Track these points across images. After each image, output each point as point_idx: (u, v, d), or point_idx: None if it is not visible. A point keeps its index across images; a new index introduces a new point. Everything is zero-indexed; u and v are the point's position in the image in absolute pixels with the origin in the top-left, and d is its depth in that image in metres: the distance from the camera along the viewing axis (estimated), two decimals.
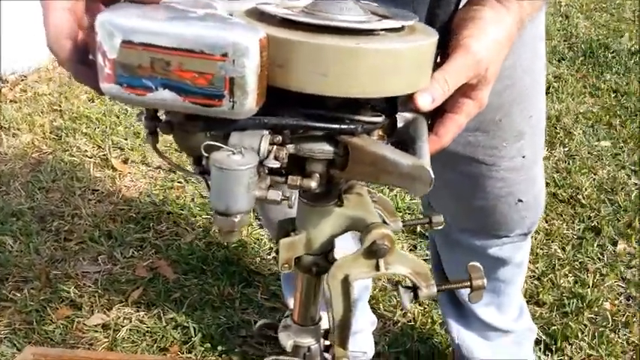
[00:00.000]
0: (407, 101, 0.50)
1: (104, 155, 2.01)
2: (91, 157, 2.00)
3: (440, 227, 0.64)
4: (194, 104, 0.42)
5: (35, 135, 2.17)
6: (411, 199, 1.75)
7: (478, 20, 0.50)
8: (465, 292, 1.07)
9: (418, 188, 0.46)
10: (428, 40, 0.47)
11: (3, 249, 1.60)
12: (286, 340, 0.63)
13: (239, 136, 0.45)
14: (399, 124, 0.51)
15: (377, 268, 0.51)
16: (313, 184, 0.48)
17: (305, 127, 0.46)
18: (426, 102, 0.47)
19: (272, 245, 1.60)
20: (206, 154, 0.44)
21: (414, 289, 0.53)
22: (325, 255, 0.57)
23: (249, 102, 0.41)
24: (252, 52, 0.40)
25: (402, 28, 0.47)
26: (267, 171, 0.45)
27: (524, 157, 0.84)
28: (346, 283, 0.53)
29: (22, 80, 2.55)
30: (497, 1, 0.51)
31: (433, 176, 0.45)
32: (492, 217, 0.91)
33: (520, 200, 0.88)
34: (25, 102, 2.40)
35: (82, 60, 0.45)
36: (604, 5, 3.40)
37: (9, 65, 2.55)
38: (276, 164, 0.45)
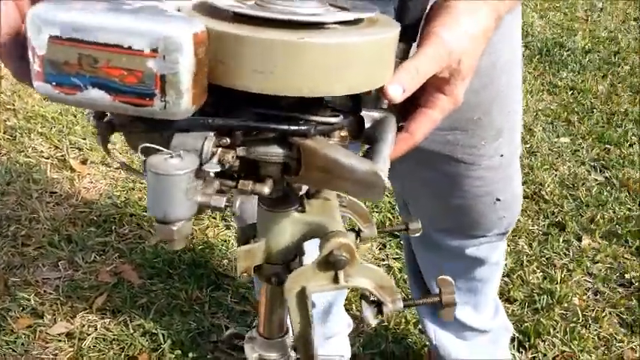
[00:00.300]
0: (376, 99, 0.49)
1: (62, 156, 1.92)
2: (47, 158, 1.92)
3: (417, 234, 0.62)
4: (124, 104, 0.39)
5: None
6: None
7: (451, 9, 0.48)
8: (436, 290, 1.07)
9: (371, 195, 0.43)
10: (386, 33, 0.44)
11: None
12: (251, 353, 0.61)
13: (181, 138, 0.42)
14: (367, 124, 0.49)
15: (336, 280, 0.48)
16: (266, 189, 0.45)
17: (253, 128, 0.43)
18: (396, 92, 0.45)
19: None
20: (144, 158, 0.41)
21: (379, 304, 0.50)
22: (287, 264, 0.54)
23: (184, 102, 0.38)
24: (185, 47, 0.37)
25: (359, 21, 0.45)
26: (213, 175, 0.42)
27: (502, 155, 0.84)
28: (303, 296, 0.50)
29: None
30: None
31: (388, 184, 0.43)
32: (470, 217, 0.91)
33: (498, 199, 0.89)
34: None
35: (22, 56, 0.41)
36: (557, 5, 3.50)
37: None
38: (216, 168, 0.42)
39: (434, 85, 0.49)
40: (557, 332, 1.35)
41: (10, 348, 1.29)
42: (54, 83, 0.39)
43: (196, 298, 1.42)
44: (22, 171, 1.85)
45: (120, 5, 0.39)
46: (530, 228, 1.67)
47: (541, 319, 1.37)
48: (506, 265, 1.54)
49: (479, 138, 0.80)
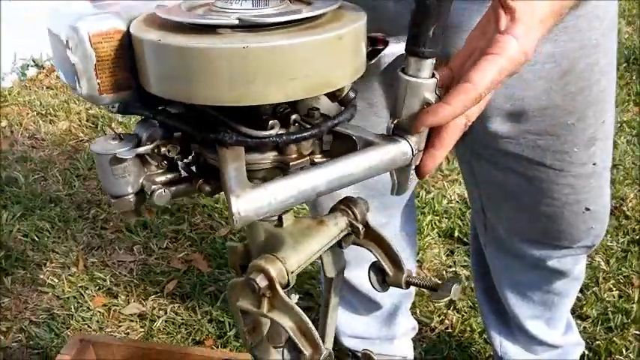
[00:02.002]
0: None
1: None
2: None
3: (447, 298, 0.56)
4: (72, 88, 0.44)
5: (72, 122, 2.18)
6: (448, 203, 1.72)
7: None
8: (511, 303, 1.04)
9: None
10: (333, 31, 0.41)
11: (41, 234, 1.62)
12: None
13: (141, 125, 0.47)
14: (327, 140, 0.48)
15: (258, 306, 0.47)
16: (207, 188, 0.47)
17: (178, 128, 0.45)
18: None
19: None
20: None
21: (296, 350, 0.47)
22: None
23: (93, 90, 0.43)
24: (85, 41, 0.42)
25: (319, 17, 0.42)
26: (155, 163, 0.46)
27: (594, 164, 0.80)
28: (236, 309, 0.49)
29: None
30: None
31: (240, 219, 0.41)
32: (557, 226, 0.87)
33: (587, 209, 0.84)
34: (61, 89, 2.42)
35: None
36: None
37: (45, 51, 2.57)
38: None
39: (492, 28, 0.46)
40: (630, 353, 1.28)
41: (86, 324, 1.36)
42: None
43: None
44: None
45: (99, 6, 0.44)
46: (609, 244, 1.59)
47: (614, 338, 1.31)
48: None
49: (571, 144, 0.77)
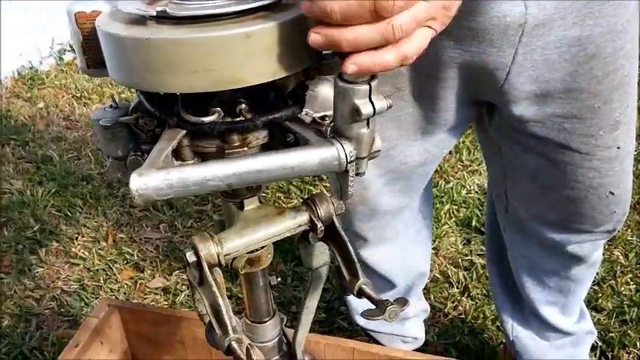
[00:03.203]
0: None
1: None
2: None
3: (378, 317, 0.53)
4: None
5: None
6: (467, 193, 1.74)
7: None
8: (527, 287, 1.05)
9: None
10: (251, 26, 0.41)
11: (74, 210, 1.69)
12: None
13: (136, 97, 0.51)
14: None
15: (194, 278, 0.50)
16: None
17: (144, 106, 0.49)
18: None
19: None
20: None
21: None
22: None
23: (82, 63, 0.49)
24: (72, 22, 0.47)
25: (269, 7, 0.43)
26: (143, 133, 0.50)
27: (619, 147, 0.80)
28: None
29: None
30: None
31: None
32: (580, 209, 0.87)
33: (612, 192, 0.85)
34: None
35: None
36: None
37: None
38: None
39: None
40: None
41: (114, 295, 1.43)
42: None
43: (280, 270, 1.50)
44: None
45: None
46: (629, 238, 1.59)
47: (629, 331, 1.31)
48: (597, 273, 1.48)
49: (597, 127, 0.77)
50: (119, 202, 1.73)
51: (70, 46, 2.67)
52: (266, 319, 0.63)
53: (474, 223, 1.62)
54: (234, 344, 0.47)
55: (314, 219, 0.51)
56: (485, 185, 1.52)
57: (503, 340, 1.27)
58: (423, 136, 0.84)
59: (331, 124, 0.47)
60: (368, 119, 0.43)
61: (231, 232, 0.51)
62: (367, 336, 1.22)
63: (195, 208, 1.71)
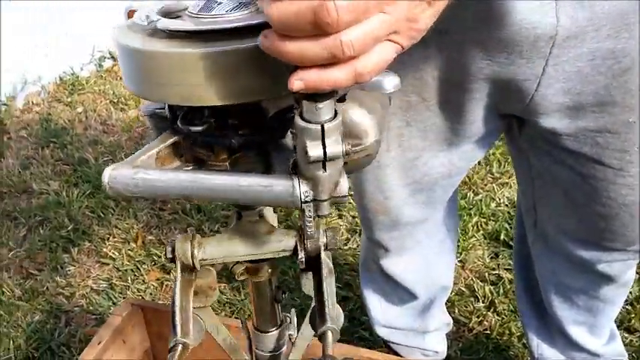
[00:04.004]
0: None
1: None
2: None
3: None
4: None
5: (140, 111, 2.32)
6: (496, 206, 1.71)
7: None
8: (554, 305, 1.03)
9: None
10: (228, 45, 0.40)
11: (106, 211, 1.74)
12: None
13: None
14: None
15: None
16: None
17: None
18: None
19: (349, 236, 1.62)
20: None
21: None
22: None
23: None
24: (125, 16, 0.48)
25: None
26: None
27: None
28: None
29: None
30: None
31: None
32: (611, 227, 0.84)
33: None
34: None
35: None
36: None
37: None
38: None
39: None
40: None
41: (141, 295, 1.46)
42: None
43: None
44: None
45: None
46: None
47: None
48: (630, 292, 1.43)
49: (631, 142, 0.75)
50: (149, 205, 1.77)
51: (111, 54, 2.75)
52: (270, 330, 0.62)
53: (502, 237, 1.59)
54: (177, 347, 0.47)
55: (298, 247, 0.50)
56: (516, 198, 1.50)
57: (529, 359, 1.24)
58: (448, 147, 0.84)
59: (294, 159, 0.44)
60: (324, 162, 0.40)
61: (216, 239, 0.51)
62: (387, 348, 1.21)
63: (222, 212, 1.73)
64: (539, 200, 0.92)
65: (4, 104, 2.40)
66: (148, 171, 0.44)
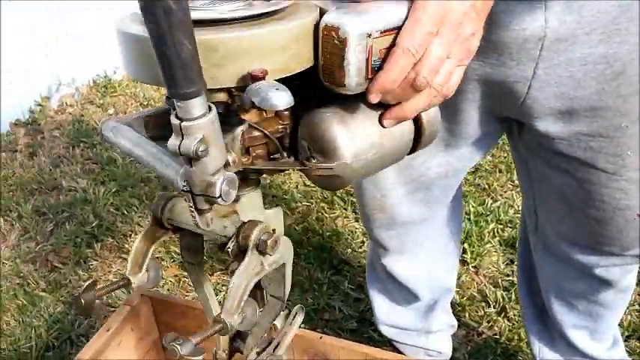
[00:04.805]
0: None
1: None
2: None
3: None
4: None
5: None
6: (514, 213, 1.70)
7: None
8: (555, 309, 1.03)
9: None
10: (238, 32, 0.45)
11: (130, 209, 1.80)
12: None
13: None
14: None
15: None
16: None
17: None
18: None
19: (364, 239, 1.63)
20: None
21: None
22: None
23: None
24: None
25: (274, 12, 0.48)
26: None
27: None
28: None
29: None
30: None
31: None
32: (606, 231, 0.85)
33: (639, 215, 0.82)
34: None
35: None
36: None
37: None
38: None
39: None
40: None
41: (158, 290, 1.51)
42: None
43: (317, 278, 1.53)
44: None
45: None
46: None
47: None
48: None
49: (625, 147, 0.75)
50: None
51: None
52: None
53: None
54: (121, 281, 0.59)
55: (232, 242, 0.51)
56: None
57: None
58: (445, 148, 0.85)
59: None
60: (190, 158, 0.44)
61: (185, 206, 0.52)
62: (392, 347, 1.22)
63: None
64: (538, 204, 0.93)
65: (39, 105, 2.51)
66: (122, 128, 0.50)
